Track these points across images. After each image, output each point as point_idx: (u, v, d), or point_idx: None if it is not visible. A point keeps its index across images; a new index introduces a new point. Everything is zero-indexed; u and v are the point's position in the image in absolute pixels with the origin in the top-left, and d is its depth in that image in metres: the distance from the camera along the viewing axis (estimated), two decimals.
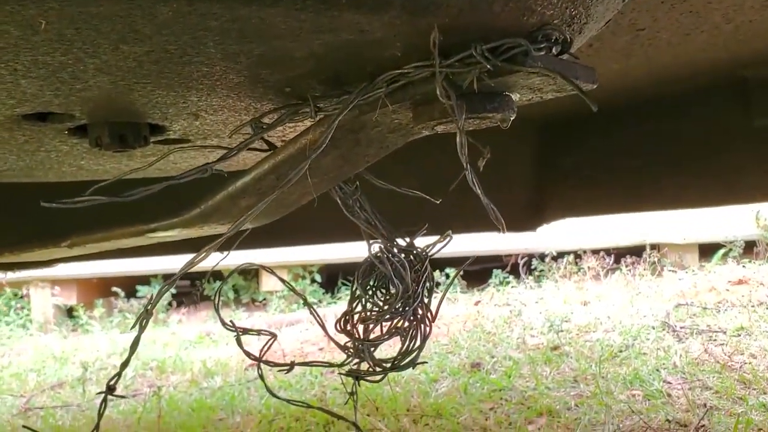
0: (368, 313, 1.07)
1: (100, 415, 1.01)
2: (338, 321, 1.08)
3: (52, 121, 0.89)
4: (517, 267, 5.22)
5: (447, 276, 5.19)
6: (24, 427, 0.97)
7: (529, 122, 1.95)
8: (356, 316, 1.08)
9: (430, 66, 0.71)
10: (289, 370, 1.18)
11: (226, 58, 0.69)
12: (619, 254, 4.98)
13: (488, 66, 0.68)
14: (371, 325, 1.06)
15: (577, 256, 5.08)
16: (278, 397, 1.20)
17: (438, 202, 1.10)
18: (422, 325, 1.05)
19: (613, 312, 3.52)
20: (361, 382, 1.24)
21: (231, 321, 1.11)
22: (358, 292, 1.06)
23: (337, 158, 0.93)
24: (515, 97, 0.80)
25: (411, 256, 1.07)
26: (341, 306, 4.76)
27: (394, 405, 2.30)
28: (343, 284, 5.87)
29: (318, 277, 6.45)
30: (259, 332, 1.21)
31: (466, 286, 5.09)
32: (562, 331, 3.25)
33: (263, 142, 1.03)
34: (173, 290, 6.28)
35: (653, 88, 1.64)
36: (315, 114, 0.83)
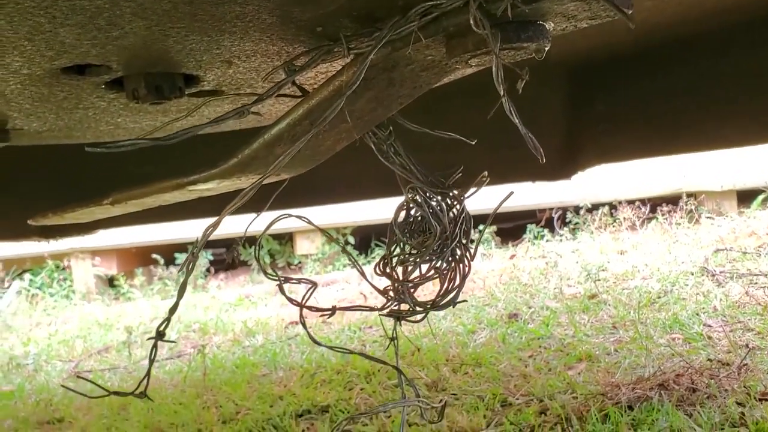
0: (407, 256, 1.08)
1: (151, 361, 1.05)
2: (377, 264, 1.10)
3: (89, 74, 0.90)
4: (551, 221, 5.19)
5: (480, 233, 5.16)
6: (77, 376, 1.01)
7: (560, 67, 1.92)
8: (395, 260, 1.10)
9: None
10: (330, 315, 1.20)
11: None
12: (655, 203, 4.92)
13: None
14: (410, 267, 1.07)
15: (612, 207, 5.02)
16: (320, 344, 1.22)
17: (473, 143, 1.10)
18: (461, 265, 1.05)
19: (651, 260, 3.49)
20: (400, 333, 1.26)
21: (273, 269, 1.13)
22: (396, 235, 1.08)
23: (371, 100, 0.93)
24: (549, 26, 0.79)
25: (447, 199, 1.08)
26: None
27: (433, 355, 2.33)
28: (377, 245, 5.91)
29: (351, 239, 6.50)
30: (299, 280, 1.24)
31: (501, 242, 5.08)
32: (599, 280, 3.24)
33: (296, 89, 1.04)
34: (210, 257, 6.38)
35: (688, 26, 1.60)
36: (348, 52, 0.83)
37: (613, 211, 5.01)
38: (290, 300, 1.16)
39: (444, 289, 1.06)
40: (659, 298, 2.81)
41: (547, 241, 4.84)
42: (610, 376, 1.92)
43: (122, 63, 0.88)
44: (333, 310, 1.20)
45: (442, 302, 1.05)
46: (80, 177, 1.98)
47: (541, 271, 3.64)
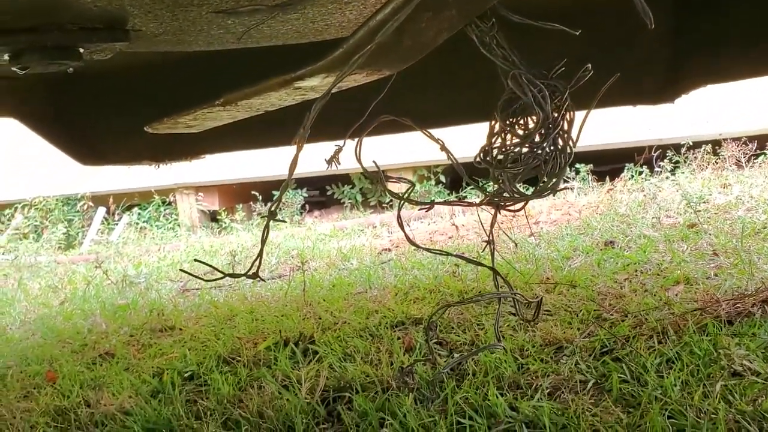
0: (507, 145, 1.09)
1: (263, 241, 1.11)
2: (477, 155, 1.12)
3: None
4: (650, 161, 5.03)
5: (577, 171, 5.08)
6: (181, 270, 1.08)
7: None
8: (495, 151, 1.11)
9: None
10: (429, 209, 1.23)
11: None
12: (764, 140, 4.68)
13: None
14: (511, 155, 1.08)
15: (716, 143, 4.81)
16: (419, 246, 1.25)
17: (577, 33, 1.08)
18: (562, 155, 1.06)
19: (757, 192, 3.35)
20: (491, 253, 1.27)
21: (374, 161, 1.17)
22: (497, 126, 1.09)
23: None
24: None
25: (550, 91, 1.08)
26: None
27: (527, 278, 2.34)
28: (467, 185, 5.88)
29: (443, 178, 6.52)
30: (399, 179, 1.28)
31: (597, 181, 4.98)
32: (699, 210, 3.15)
33: None
34: (305, 195, 6.58)
35: None
36: None
37: (716, 148, 4.81)
38: (391, 193, 1.20)
39: (545, 176, 1.07)
40: (765, 228, 2.70)
41: (645, 178, 4.70)
42: (709, 297, 1.88)
43: None
44: (431, 204, 1.23)
45: (543, 191, 1.06)
46: (189, 102, 2.07)
47: (639, 203, 3.56)
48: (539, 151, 1.04)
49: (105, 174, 6.71)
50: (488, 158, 1.09)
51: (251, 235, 4.95)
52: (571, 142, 1.04)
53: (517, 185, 1.09)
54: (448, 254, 1.32)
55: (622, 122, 5.38)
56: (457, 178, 6.29)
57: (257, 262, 1.16)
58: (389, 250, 3.40)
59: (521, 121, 1.09)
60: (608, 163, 5.52)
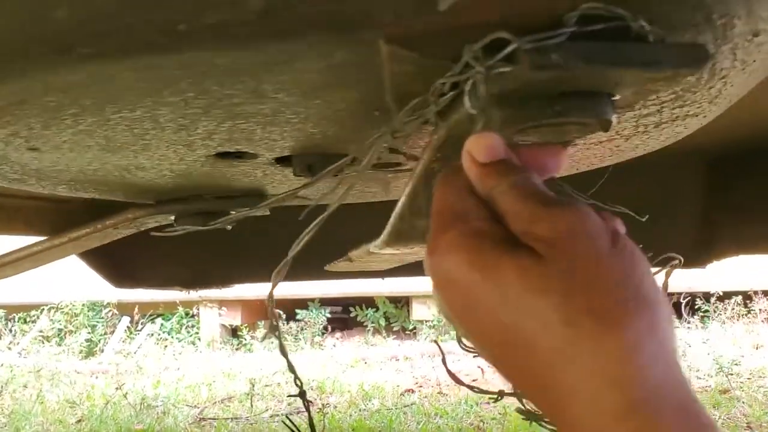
0: None
1: (309, 409, 1.11)
2: None
3: (245, 157, 0.99)
4: (678, 307, 4.97)
5: None
6: (201, 418, 1.07)
7: (699, 155, 1.90)
8: None
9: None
10: (497, 399, 1.22)
11: None
12: None
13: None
14: None
15: (747, 297, 4.75)
16: (458, 386, 1.23)
17: (644, 220, 1.02)
18: None
19: None
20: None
21: (436, 341, 1.17)
22: None
23: None
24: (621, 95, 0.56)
25: None
26: None
27: None
28: None
29: None
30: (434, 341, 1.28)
31: None
32: (732, 374, 3.07)
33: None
34: (327, 315, 6.55)
35: None
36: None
37: (747, 301, 4.74)
38: (454, 378, 1.19)
39: None
40: None
41: (674, 327, 4.62)
42: None
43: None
44: (500, 395, 1.21)
45: None
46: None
47: None
48: None
49: None
50: None
51: (271, 357, 4.91)
52: None
53: None
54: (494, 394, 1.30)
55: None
56: None
57: None
58: (412, 391, 3.35)
59: None
60: None
